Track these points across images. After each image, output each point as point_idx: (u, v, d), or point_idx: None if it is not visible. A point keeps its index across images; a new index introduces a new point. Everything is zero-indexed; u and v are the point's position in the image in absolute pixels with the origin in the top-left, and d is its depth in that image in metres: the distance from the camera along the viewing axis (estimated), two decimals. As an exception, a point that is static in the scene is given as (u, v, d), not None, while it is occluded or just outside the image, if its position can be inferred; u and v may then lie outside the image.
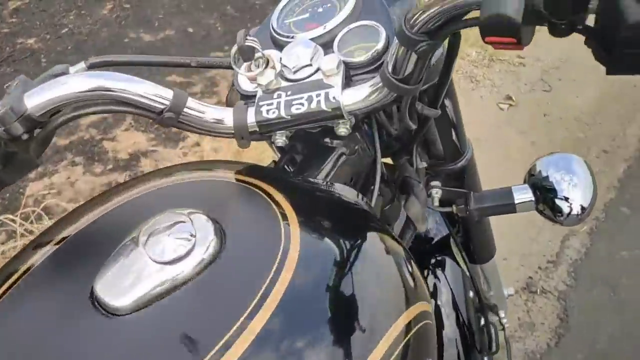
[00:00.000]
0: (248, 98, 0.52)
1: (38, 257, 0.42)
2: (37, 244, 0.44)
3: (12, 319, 0.38)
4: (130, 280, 0.35)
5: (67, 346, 0.35)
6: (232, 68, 0.52)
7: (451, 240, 0.82)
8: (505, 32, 0.34)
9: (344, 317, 0.37)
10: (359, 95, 0.47)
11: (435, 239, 0.82)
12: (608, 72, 0.33)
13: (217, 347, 0.32)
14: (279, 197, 0.44)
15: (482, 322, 0.84)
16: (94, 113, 0.44)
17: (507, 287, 1.09)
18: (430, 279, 0.79)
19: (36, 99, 0.41)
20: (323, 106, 0.47)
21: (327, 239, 0.42)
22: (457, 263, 0.81)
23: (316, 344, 0.35)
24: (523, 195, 0.67)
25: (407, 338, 0.39)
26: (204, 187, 0.48)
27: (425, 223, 0.66)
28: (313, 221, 0.43)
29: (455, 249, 0.82)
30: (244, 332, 0.32)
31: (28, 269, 0.41)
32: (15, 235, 1.46)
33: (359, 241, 0.44)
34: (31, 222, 1.48)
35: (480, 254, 0.90)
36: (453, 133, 0.69)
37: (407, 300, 0.42)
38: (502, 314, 0.99)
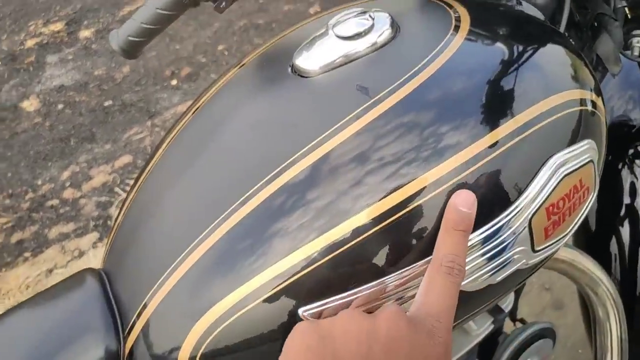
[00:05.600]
0: None
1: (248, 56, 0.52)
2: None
3: (235, 90, 0.49)
4: (320, 53, 0.44)
5: (275, 98, 0.45)
6: None
7: None
8: None
9: (490, 93, 0.39)
10: None
11: (637, 126, 0.71)
12: None
13: (381, 94, 0.39)
14: (456, 4, 0.46)
15: None
16: None
17: None
18: (625, 174, 0.69)
19: None
20: None
21: (493, 36, 0.43)
22: None
23: (458, 109, 0.38)
24: None
25: (555, 116, 0.39)
26: None
27: (619, 65, 0.57)
28: (484, 22, 0.44)
29: None
30: (395, 92, 0.39)
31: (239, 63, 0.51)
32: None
33: (529, 42, 0.43)
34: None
35: None
36: None
37: (560, 84, 0.42)
38: None
